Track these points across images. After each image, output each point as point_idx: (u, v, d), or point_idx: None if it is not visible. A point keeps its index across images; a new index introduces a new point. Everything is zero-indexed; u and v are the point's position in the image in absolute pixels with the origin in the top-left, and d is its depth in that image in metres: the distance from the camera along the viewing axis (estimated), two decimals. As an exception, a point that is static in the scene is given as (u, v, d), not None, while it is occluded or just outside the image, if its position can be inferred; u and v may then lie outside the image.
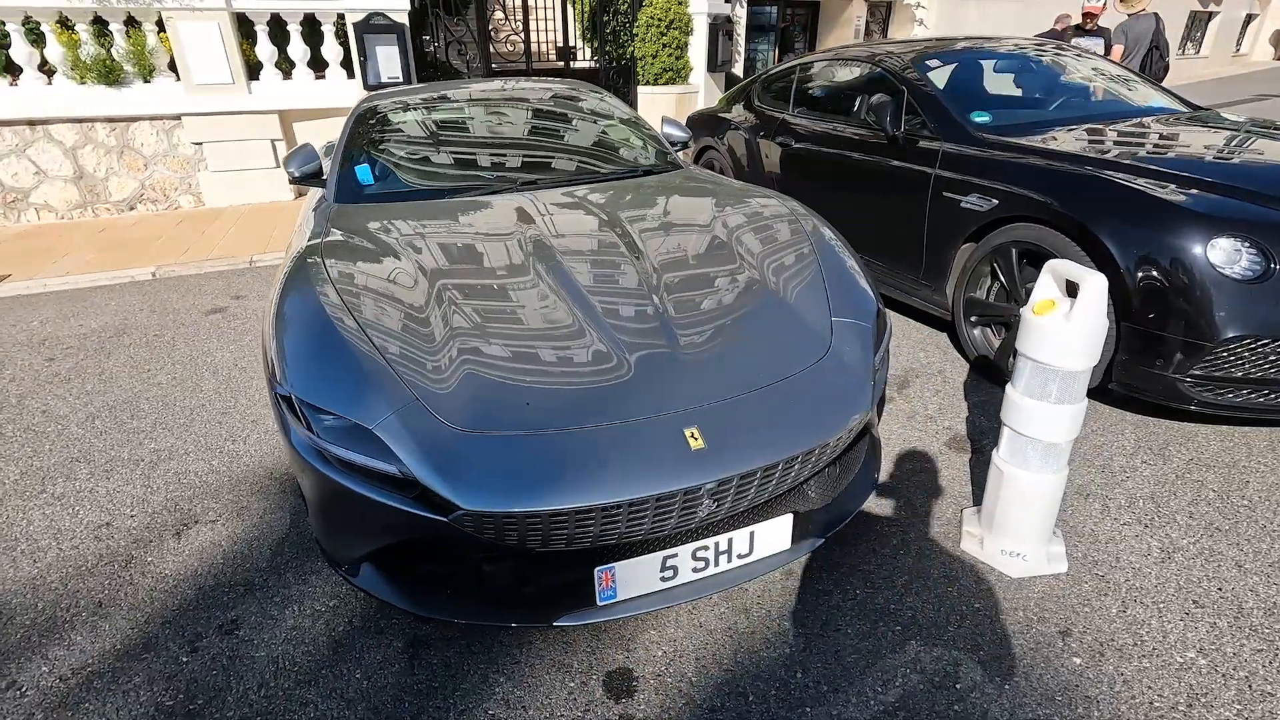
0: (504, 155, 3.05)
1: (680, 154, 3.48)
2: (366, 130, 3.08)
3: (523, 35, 7.90)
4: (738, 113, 4.89)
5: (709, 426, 1.60)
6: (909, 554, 2.06)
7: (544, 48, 8.81)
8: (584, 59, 9.10)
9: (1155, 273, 2.36)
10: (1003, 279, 2.91)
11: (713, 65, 9.31)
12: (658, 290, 2.00)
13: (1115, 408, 2.77)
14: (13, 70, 6.18)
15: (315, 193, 2.98)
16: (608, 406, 1.62)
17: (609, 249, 2.21)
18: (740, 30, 10.87)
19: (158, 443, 2.81)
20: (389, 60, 6.80)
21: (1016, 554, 1.97)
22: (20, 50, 6.03)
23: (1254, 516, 2.16)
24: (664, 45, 8.97)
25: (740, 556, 1.72)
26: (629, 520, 1.52)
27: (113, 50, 6.22)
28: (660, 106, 8.96)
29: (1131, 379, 2.52)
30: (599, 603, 1.62)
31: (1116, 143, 2.95)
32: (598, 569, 1.59)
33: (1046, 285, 1.79)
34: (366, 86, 6.77)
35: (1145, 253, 2.38)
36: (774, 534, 1.74)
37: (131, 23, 6.27)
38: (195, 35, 6.27)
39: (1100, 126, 3.17)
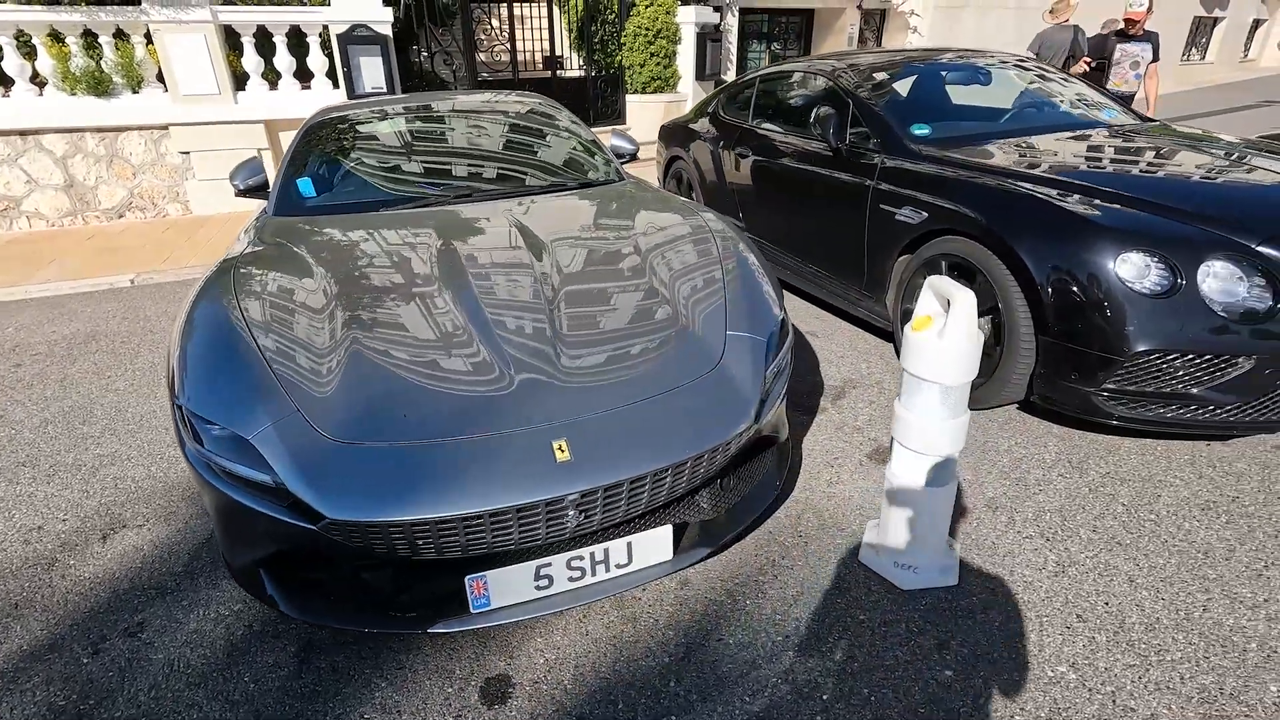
0: (444, 167, 3.11)
1: (625, 166, 3.53)
2: (312, 144, 3.16)
3: (508, 45, 8.00)
4: (704, 124, 4.93)
5: (579, 439, 1.64)
6: (807, 565, 2.08)
7: (533, 57, 8.90)
8: (572, 68, 9.19)
9: (1068, 287, 2.38)
10: (935, 291, 2.92)
11: (700, 74, 9.37)
12: (555, 303, 2.04)
13: (1043, 420, 2.78)
14: (5, 82, 6.34)
15: (259, 206, 3.05)
16: (482, 418, 1.67)
17: (516, 262, 2.26)
18: (732, 38, 10.91)
19: (103, 448, 2.88)
20: (373, 71, 6.91)
21: (908, 566, 1.99)
22: (12, 62, 6.19)
23: (1158, 531, 2.16)
24: (651, 54, 9.05)
25: (619, 566, 1.76)
26: (494, 531, 1.56)
27: (102, 62, 6.37)
28: (649, 115, 9.03)
29: (1050, 392, 2.53)
30: (473, 610, 1.66)
31: (1046, 157, 2.97)
32: (469, 577, 1.63)
33: (926, 301, 1.81)
34: (351, 97, 6.88)
35: (1058, 267, 2.40)
36: (653, 545, 1.77)
37: (120, 35, 6.42)
38: (182, 47, 6.41)
39: (1038, 140, 3.18)
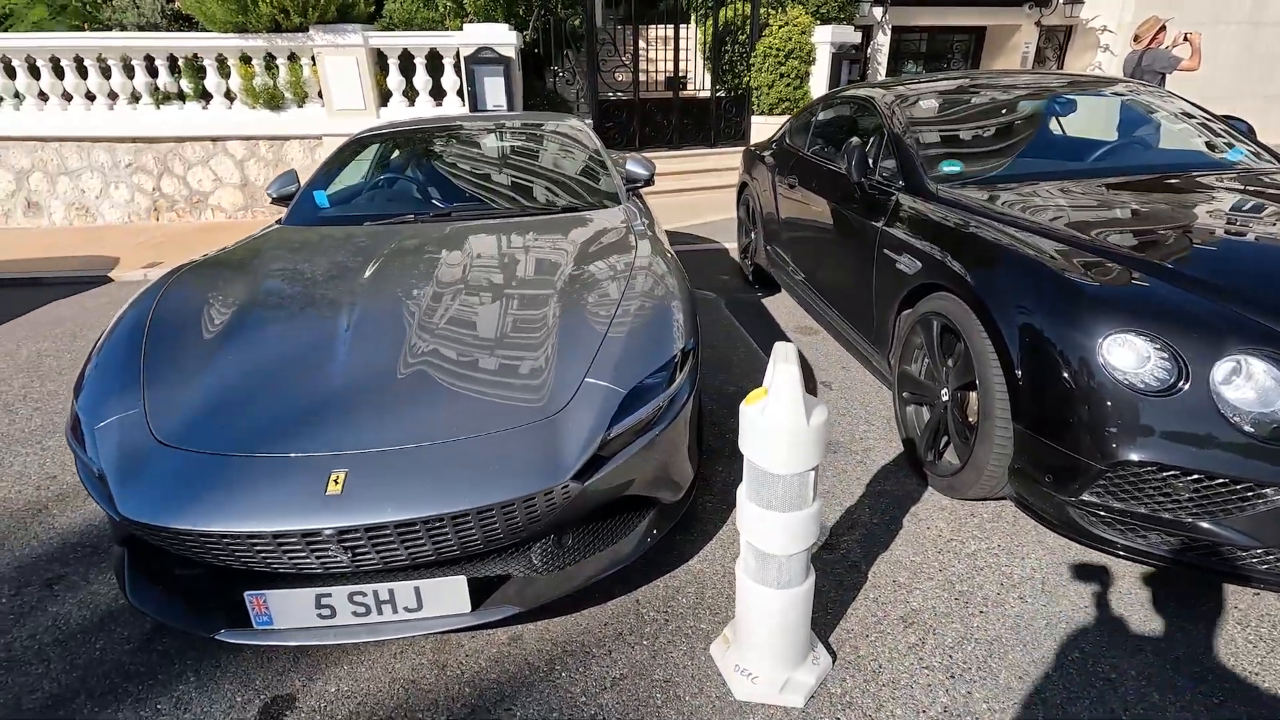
0: (440, 187, 3.23)
1: (636, 189, 3.43)
2: (339, 160, 3.42)
3: (631, 66, 8.15)
4: (774, 148, 4.68)
5: (364, 474, 1.60)
6: (650, 647, 1.86)
7: (656, 77, 8.99)
8: (695, 88, 9.16)
9: (1044, 367, 1.92)
10: (928, 353, 2.52)
11: (832, 96, 8.91)
12: (426, 333, 2.02)
13: (1039, 527, 2.27)
14: (206, 96, 7.59)
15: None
16: (282, 439, 1.69)
17: (418, 287, 2.25)
18: (882, 58, 10.27)
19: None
20: (495, 90, 7.37)
21: (748, 673, 1.71)
22: (212, 81, 7.40)
23: (1112, 690, 1.67)
24: (781, 75, 8.77)
25: (408, 610, 1.69)
26: (259, 553, 1.57)
27: (277, 81, 7.41)
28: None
29: (1026, 494, 2.06)
30: (255, 626, 1.68)
31: (1093, 205, 2.44)
32: (248, 594, 1.65)
33: (770, 370, 1.55)
34: (474, 112, 7.40)
35: (1037, 340, 1.95)
36: (447, 594, 1.68)
37: (292, 58, 7.43)
38: (338, 68, 7.27)
39: (1108, 183, 2.63)
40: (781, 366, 1.42)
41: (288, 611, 1.67)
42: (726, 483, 2.58)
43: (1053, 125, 3.31)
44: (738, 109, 9.03)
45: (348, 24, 7.19)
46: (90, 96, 7.51)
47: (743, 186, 5.14)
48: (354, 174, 3.40)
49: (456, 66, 7.57)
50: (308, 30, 7.11)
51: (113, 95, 7.51)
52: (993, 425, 2.09)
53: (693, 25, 9.58)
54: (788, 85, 8.82)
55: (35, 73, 7.43)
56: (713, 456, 2.75)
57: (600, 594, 2.03)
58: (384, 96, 7.62)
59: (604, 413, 1.79)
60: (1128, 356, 1.79)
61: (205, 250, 2.83)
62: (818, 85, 8.94)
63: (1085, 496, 1.87)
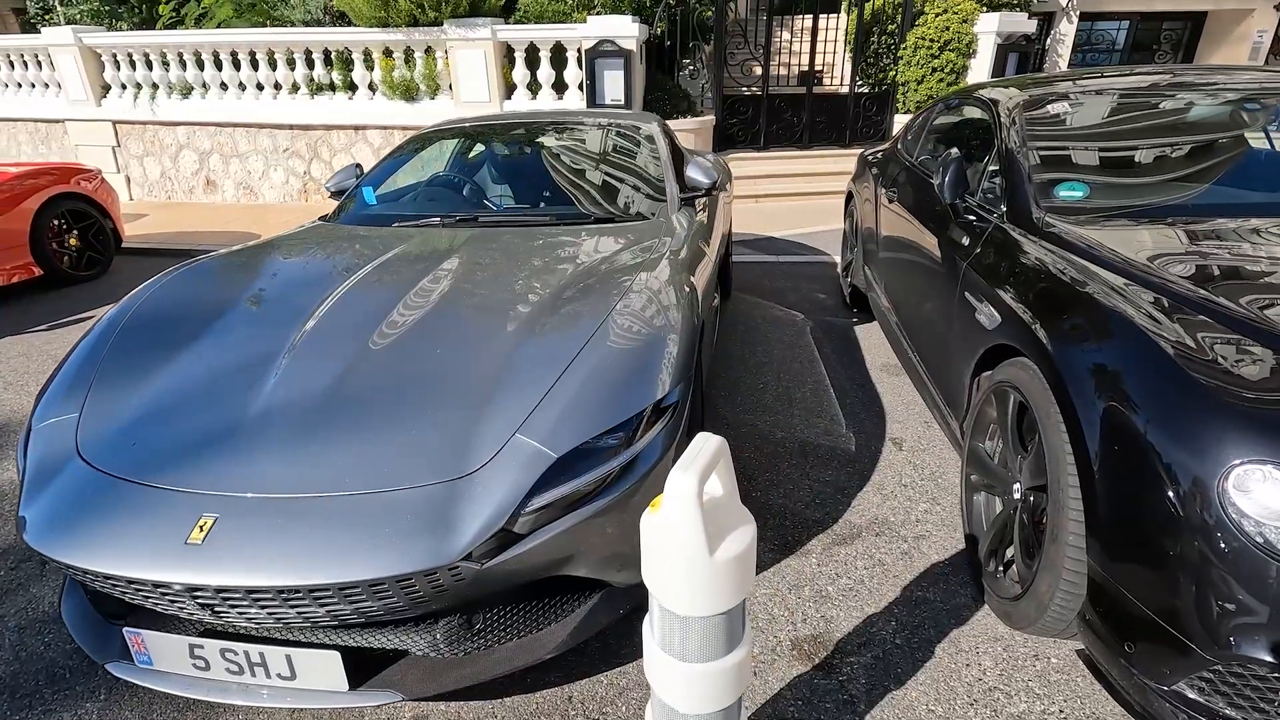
0: (479, 190, 3.04)
1: (693, 199, 3.05)
2: (395, 156, 3.35)
3: (760, 60, 7.64)
4: (881, 156, 4.07)
5: (233, 521, 1.42)
6: (561, 765, 1.54)
7: (789, 71, 8.38)
8: (831, 83, 8.44)
9: (1136, 490, 1.35)
10: (1001, 433, 1.95)
11: (993, 93, 7.82)
12: (371, 359, 1.81)
13: (1106, 691, 1.66)
14: (351, 88, 8.10)
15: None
16: (172, 468, 1.55)
17: (383, 307, 2.04)
18: (1063, 50, 8.90)
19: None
20: (614, 84, 7.20)
21: (652, 839, 1.34)
22: (358, 73, 7.88)
23: None
24: (934, 69, 7.86)
25: (282, 678, 1.50)
26: (124, 592, 1.44)
27: (414, 74, 7.73)
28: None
29: (1099, 655, 1.49)
30: (137, 664, 1.57)
31: (1263, 260, 1.74)
32: (126, 630, 1.54)
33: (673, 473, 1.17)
34: (592, 106, 7.28)
35: (1129, 450, 1.37)
36: (319, 667, 1.48)
37: (428, 52, 7.71)
38: (467, 61, 7.45)
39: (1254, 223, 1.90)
40: (677, 475, 1.04)
41: (164, 655, 1.54)
42: (731, 556, 2.17)
43: (1258, 143, 2.50)
44: (879, 107, 8.22)
45: (478, 18, 7.33)
46: (260, 87, 8.28)
47: (849, 196, 4.55)
48: (411, 171, 3.31)
49: (579, 60, 7.48)
50: (441, 24, 7.34)
51: (277, 86, 8.22)
52: (1060, 552, 1.53)
53: (838, 14, 8.84)
54: (940, 81, 7.89)
55: (219, 65, 8.30)
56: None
57: (531, 679, 1.73)
58: (509, 89, 7.71)
59: (522, 481, 1.48)
60: (1268, 499, 1.19)
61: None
62: (976, 81, 7.90)
63: (1183, 689, 1.29)
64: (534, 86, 7.74)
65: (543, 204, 2.93)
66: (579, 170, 3.16)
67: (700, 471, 1.03)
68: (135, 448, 1.63)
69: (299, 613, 1.40)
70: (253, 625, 1.46)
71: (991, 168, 2.49)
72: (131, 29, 9.71)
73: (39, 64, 9.02)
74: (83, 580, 1.50)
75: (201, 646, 1.50)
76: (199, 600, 1.38)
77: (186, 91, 8.47)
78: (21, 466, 1.68)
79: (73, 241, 5.54)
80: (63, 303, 5.05)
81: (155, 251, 6.47)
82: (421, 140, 3.46)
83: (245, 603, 1.37)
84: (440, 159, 3.34)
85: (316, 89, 8.14)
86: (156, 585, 1.37)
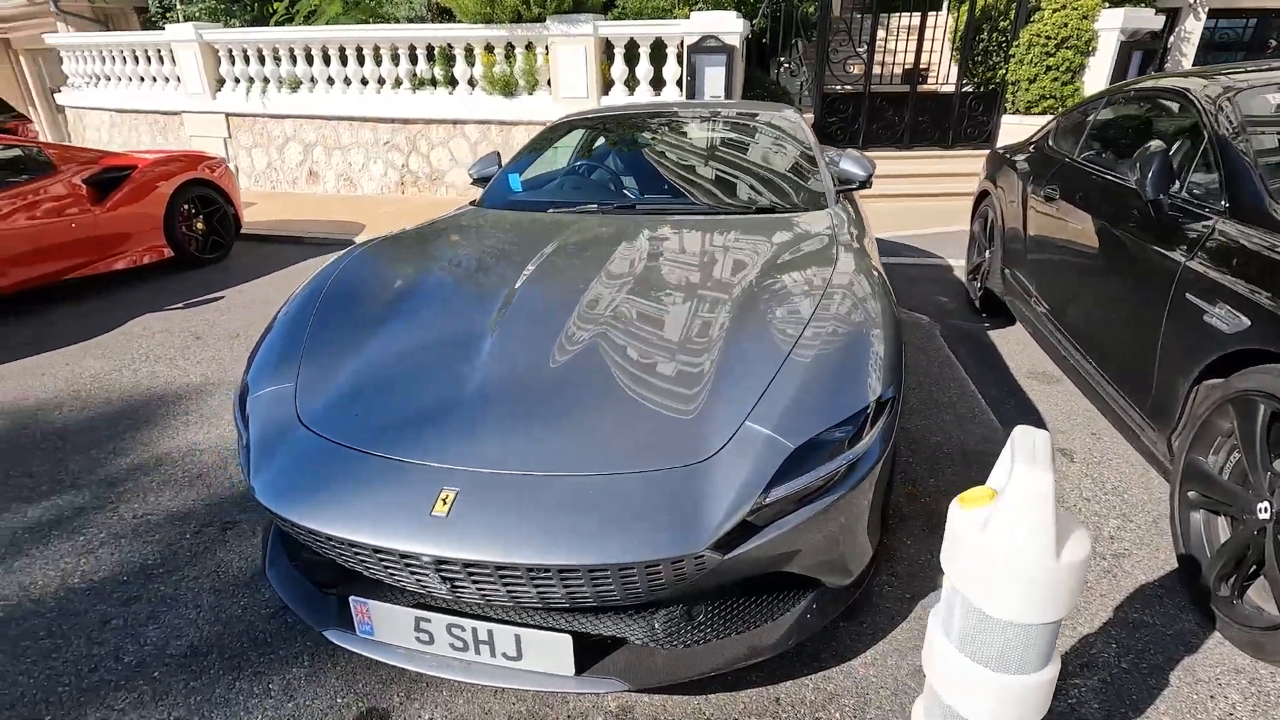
0: (629, 178, 3.01)
1: (848, 192, 2.96)
2: (539, 145, 3.36)
3: (863, 57, 7.44)
4: (1026, 154, 3.87)
5: (474, 497, 1.41)
6: (784, 769, 1.48)
7: (890, 69, 8.12)
8: (935, 82, 8.15)
9: None
10: (1242, 447, 1.79)
11: (1113, 93, 7.42)
12: (577, 341, 1.79)
13: None
14: (451, 83, 8.26)
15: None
16: (405, 439, 1.55)
17: (582, 285, 2.03)
18: (1187, 49, 8.39)
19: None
20: (714, 80, 7.13)
21: None
22: (459, 69, 8.03)
23: None
24: (1048, 68, 7.51)
25: (507, 657, 1.48)
26: (363, 560, 1.45)
27: (513, 69, 7.83)
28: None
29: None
30: (358, 633, 1.58)
31: None
32: (353, 598, 1.54)
33: (1003, 462, 1.09)
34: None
35: None
36: (548, 650, 1.45)
37: (529, 47, 7.80)
38: (567, 56, 7.49)
39: None
40: (1024, 469, 0.95)
41: (388, 626, 1.54)
42: (914, 561, 2.08)
43: None
44: (985, 107, 7.90)
45: (580, 14, 7.36)
46: (364, 82, 8.54)
47: (982, 196, 4.35)
48: (554, 159, 3.32)
49: (679, 56, 7.44)
50: (544, 20, 7.40)
51: (380, 81, 8.46)
52: (1355, 580, 1.38)
53: (939, 11, 8.54)
54: (1054, 80, 7.53)
55: (327, 60, 8.60)
56: (898, 526, 2.24)
57: (733, 678, 1.68)
58: (606, 85, 7.73)
59: (762, 470, 1.42)
60: None
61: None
62: (1094, 81, 7.52)
63: None
64: (630, 83, 7.74)
65: (697, 193, 2.88)
66: (730, 160, 3.10)
67: (1050, 468, 0.95)
68: (358, 418, 1.64)
69: (539, 593, 1.37)
70: (484, 603, 1.44)
71: (1197, 162, 2.31)
72: (243, 25, 10.16)
73: (160, 59, 9.53)
74: (314, 546, 1.51)
75: (428, 620, 1.49)
76: (443, 574, 1.37)
77: (295, 86, 8.80)
78: (244, 434, 1.71)
79: (199, 226, 5.81)
80: (192, 283, 5.29)
81: (269, 238, 6.72)
82: (562, 129, 3.47)
83: (491, 580, 1.36)
84: (583, 148, 3.33)
85: (419, 84, 8.33)
86: (403, 556, 1.37)
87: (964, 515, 1.05)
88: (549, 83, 7.82)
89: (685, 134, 3.29)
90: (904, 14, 7.98)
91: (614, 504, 1.38)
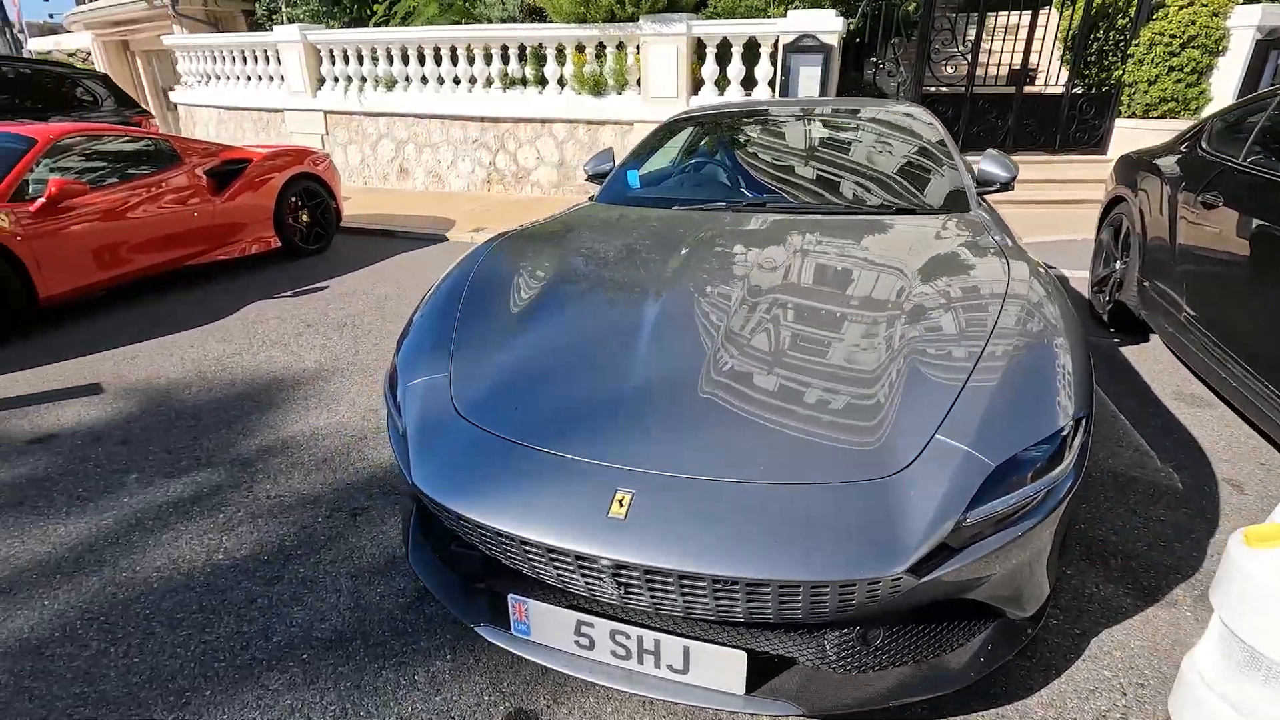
0: (757, 175, 2.92)
1: (992, 195, 2.80)
2: (656, 140, 3.31)
3: (967, 57, 7.13)
4: (1171, 158, 3.59)
5: (652, 500, 1.35)
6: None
7: (992, 70, 7.76)
8: (1042, 84, 7.74)
9: None
10: None
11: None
12: (738, 342, 1.72)
13: None
14: (541, 82, 8.35)
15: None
16: (573, 437, 1.51)
17: (729, 288, 1.96)
18: (1330, 49, 7.70)
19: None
20: (809, 80, 6.96)
21: None
22: (550, 68, 8.11)
23: None
24: (1170, 69, 7.03)
25: (671, 669, 1.42)
26: (531, 559, 1.41)
27: (602, 68, 7.85)
28: (1145, 146, 7.06)
29: None
30: (513, 631, 1.54)
31: None
32: (511, 596, 1.51)
33: (1300, 499, 0.95)
34: (782, 104, 7.09)
35: None
36: (717, 665, 1.38)
37: (620, 47, 7.80)
38: (659, 56, 7.46)
39: None
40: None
41: (546, 627, 1.50)
42: (1078, 593, 1.92)
43: None
44: (1097, 110, 7.46)
45: (674, 13, 7.32)
46: (456, 81, 8.73)
47: (1113, 202, 4.07)
48: (668, 156, 3.26)
49: (772, 55, 7.30)
50: (637, 20, 7.39)
51: (472, 80, 8.63)
52: None
53: (1048, 9, 8.10)
54: (1177, 82, 7.04)
55: (421, 60, 8.83)
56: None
57: (897, 711, 1.57)
58: (696, 85, 7.66)
59: (962, 487, 1.32)
60: None
61: (521, 220, 2.91)
62: (1222, 84, 7.00)
63: None
64: (721, 82, 7.65)
65: (831, 191, 2.76)
66: (860, 157, 2.98)
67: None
68: (518, 412, 1.61)
69: (718, 605, 1.30)
70: (652, 611, 1.38)
71: None
72: (343, 26, 10.56)
73: (266, 59, 9.99)
74: (475, 540, 1.48)
75: (591, 625, 1.44)
76: (620, 579, 1.31)
77: (390, 85, 9.07)
78: (400, 421, 1.71)
79: (304, 218, 6.02)
80: (299, 272, 5.48)
81: (364, 231, 6.93)
82: (676, 126, 3.41)
83: (670, 588, 1.29)
84: (699, 144, 3.26)
85: (509, 84, 8.46)
86: (579, 558, 1.32)
87: (1249, 554, 0.92)
88: (638, 82, 7.81)
89: (805, 130, 3.18)
90: (1007, 13, 7.60)
91: (800, 516, 1.30)
